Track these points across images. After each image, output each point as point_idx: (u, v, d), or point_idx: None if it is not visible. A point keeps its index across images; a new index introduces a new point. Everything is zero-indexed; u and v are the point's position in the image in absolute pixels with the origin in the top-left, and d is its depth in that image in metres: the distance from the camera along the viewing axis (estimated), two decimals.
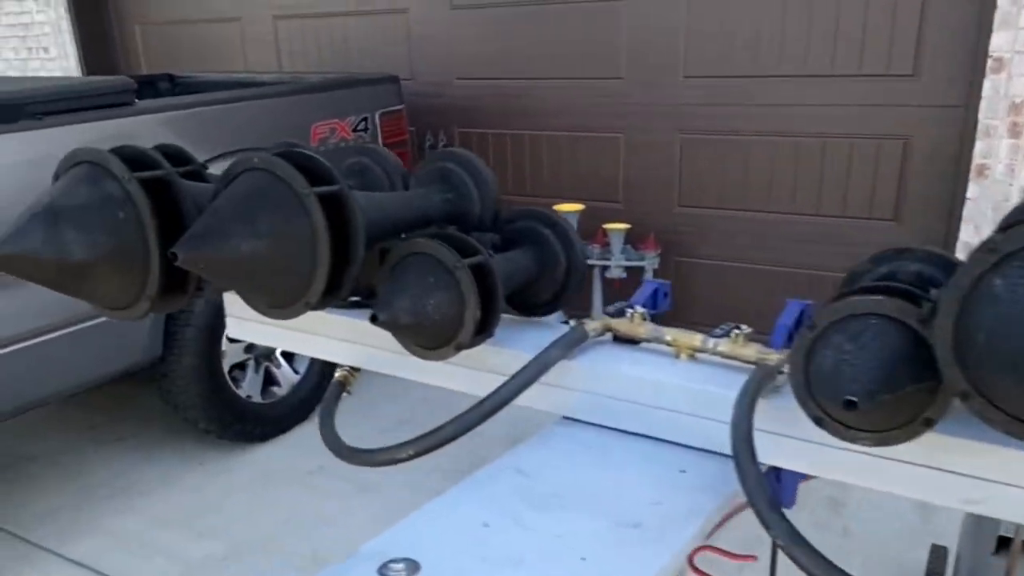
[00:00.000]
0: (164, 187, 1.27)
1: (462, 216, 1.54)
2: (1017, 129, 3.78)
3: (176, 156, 1.40)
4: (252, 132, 4.04)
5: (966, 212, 3.99)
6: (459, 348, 1.29)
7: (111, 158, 1.23)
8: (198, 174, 1.46)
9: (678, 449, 1.25)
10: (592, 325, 1.41)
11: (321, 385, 4.46)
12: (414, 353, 1.35)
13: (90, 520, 3.71)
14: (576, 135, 5.20)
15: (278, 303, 1.26)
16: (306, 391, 4.42)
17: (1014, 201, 3.85)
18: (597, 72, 5.03)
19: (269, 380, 4.34)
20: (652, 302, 1.47)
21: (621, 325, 1.41)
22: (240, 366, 4.20)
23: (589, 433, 1.33)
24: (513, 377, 1.29)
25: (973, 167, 3.92)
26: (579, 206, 4.90)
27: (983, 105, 3.84)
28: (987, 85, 3.82)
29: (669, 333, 1.36)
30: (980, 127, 3.86)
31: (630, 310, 1.41)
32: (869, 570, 3.17)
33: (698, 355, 1.34)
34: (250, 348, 4.21)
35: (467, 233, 1.46)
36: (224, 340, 4.00)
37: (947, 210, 4.23)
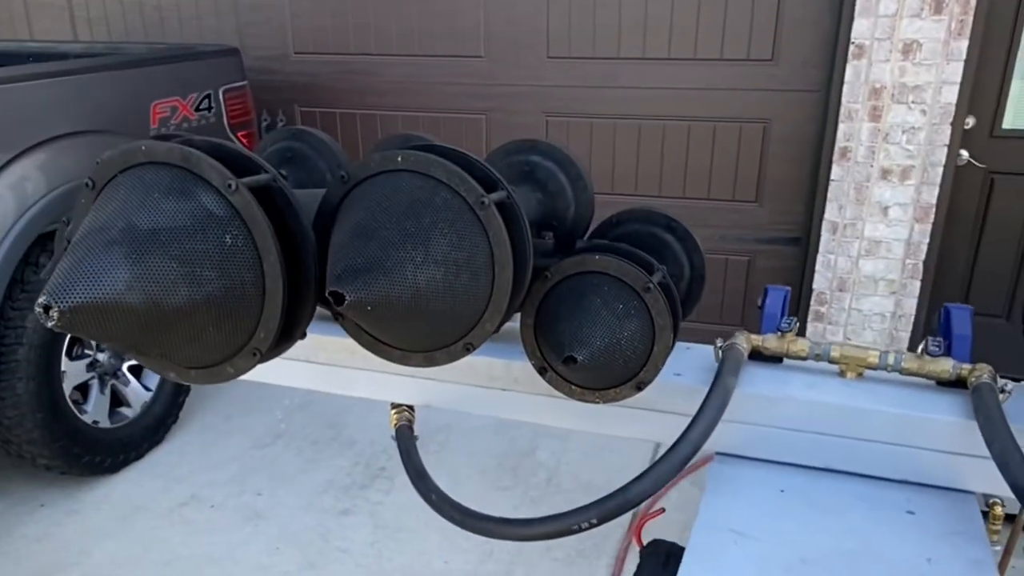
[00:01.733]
0: (269, 198, 0.92)
1: (555, 219, 1.30)
2: (877, 113, 4.01)
3: (232, 158, 1.05)
4: (79, 113, 3.42)
5: (830, 193, 4.20)
6: (641, 387, 1.07)
7: (203, 159, 0.87)
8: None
9: (887, 485, 1.11)
10: (740, 342, 1.23)
11: (176, 402, 3.92)
12: (573, 396, 1.10)
13: None
14: (435, 115, 4.94)
15: (439, 342, 0.97)
16: (160, 410, 3.86)
17: (874, 181, 4.11)
18: (457, 50, 4.78)
19: (116, 401, 3.74)
20: (782, 312, 1.32)
21: (770, 342, 1.24)
22: (82, 387, 3.58)
23: (770, 472, 1.15)
24: (698, 417, 1.08)
25: (836, 149, 4.13)
26: None
27: (845, 90, 4.04)
28: (849, 70, 4.02)
29: (836, 349, 1.21)
30: (842, 110, 4.06)
31: (784, 325, 1.24)
32: None
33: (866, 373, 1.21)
34: (93, 365, 3.59)
35: (562, 239, 1.23)
36: (63, 359, 3.39)
37: (807, 191, 4.44)
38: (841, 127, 4.10)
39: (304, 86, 5.09)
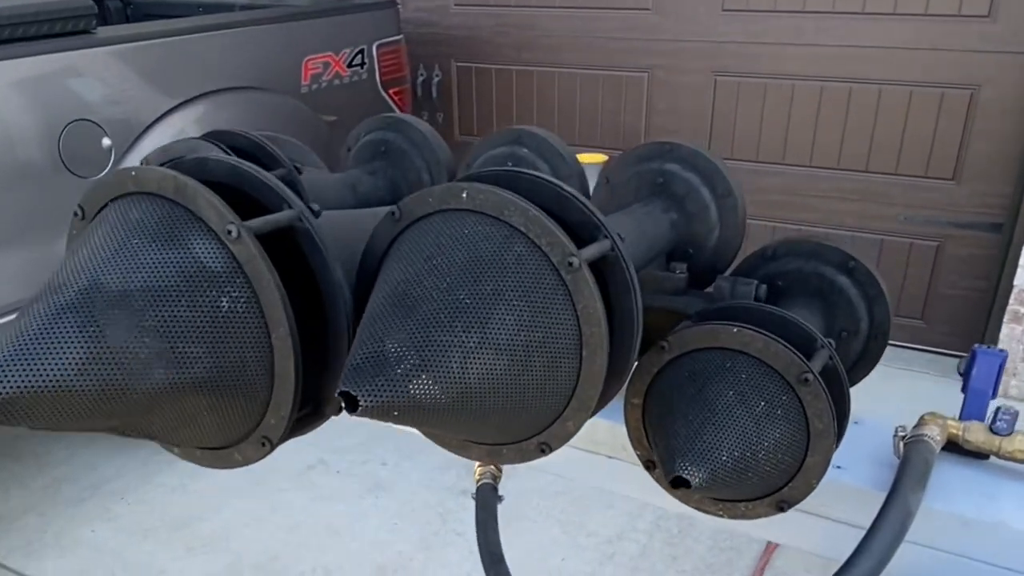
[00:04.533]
0: (292, 241, 0.71)
1: (691, 246, 1.02)
2: None
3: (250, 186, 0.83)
4: (234, 68, 3.38)
5: None
6: (783, 508, 0.79)
7: (200, 192, 0.66)
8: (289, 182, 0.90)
9: None
10: (932, 434, 0.91)
11: None
12: (688, 503, 0.84)
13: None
14: (594, 73, 4.62)
15: (506, 438, 0.74)
16: None
17: None
18: (622, 2, 4.43)
19: None
20: (995, 387, 0.98)
21: (975, 434, 0.92)
22: None
23: None
24: (864, 548, 0.79)
25: None
26: (601, 157, 4.35)
27: None
28: None
29: None
30: None
31: (1003, 418, 0.90)
32: None
33: None
34: None
35: (699, 273, 0.95)
36: None
37: (1018, 170, 3.82)
38: None
39: (462, 40, 4.90)
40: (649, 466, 0.87)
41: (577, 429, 0.71)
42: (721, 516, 0.82)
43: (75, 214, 0.75)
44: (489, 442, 0.76)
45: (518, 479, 3.28)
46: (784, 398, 0.72)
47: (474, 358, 0.64)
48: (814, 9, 4.02)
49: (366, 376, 0.63)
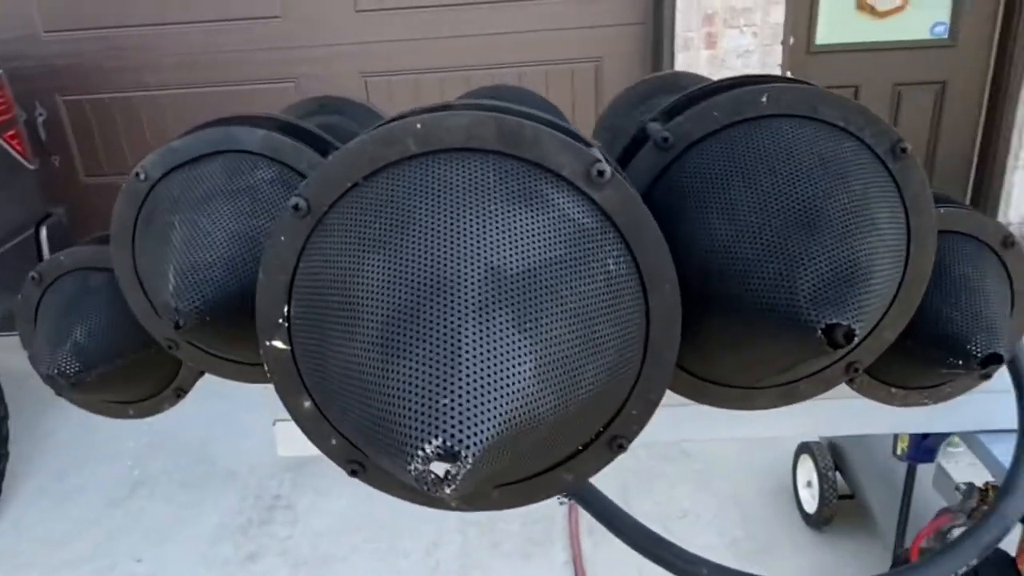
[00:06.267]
0: None
1: None
2: (712, 39, 4.00)
3: None
4: None
5: None
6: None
7: (542, 131, 0.49)
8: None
9: None
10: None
11: None
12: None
13: None
14: (234, 89, 4.31)
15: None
16: None
17: None
18: (248, 11, 4.18)
19: None
20: None
21: None
22: None
23: None
24: None
25: None
26: None
27: (679, 18, 3.98)
28: None
29: None
30: (678, 40, 4.01)
31: None
32: None
33: None
34: None
35: None
36: None
37: None
38: (679, 57, 4.05)
39: (64, 70, 4.25)
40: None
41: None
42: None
43: (296, 208, 0.49)
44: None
45: (304, 523, 2.99)
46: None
47: (877, 258, 0.56)
48: (447, 3, 4.18)
49: (842, 299, 0.51)
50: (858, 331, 0.52)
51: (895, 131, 0.61)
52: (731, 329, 0.61)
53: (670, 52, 4.07)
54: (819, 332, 0.52)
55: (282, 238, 0.54)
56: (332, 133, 0.85)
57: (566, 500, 0.94)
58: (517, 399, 0.43)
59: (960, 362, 0.68)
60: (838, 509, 2.68)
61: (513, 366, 0.43)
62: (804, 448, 2.88)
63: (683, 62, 4.04)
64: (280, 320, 0.54)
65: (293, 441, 0.94)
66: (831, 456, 2.75)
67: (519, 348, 0.44)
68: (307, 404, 0.55)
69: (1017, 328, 0.79)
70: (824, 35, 4.25)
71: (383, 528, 2.91)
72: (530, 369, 0.44)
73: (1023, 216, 4.23)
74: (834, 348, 0.52)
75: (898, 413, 0.90)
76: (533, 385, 0.44)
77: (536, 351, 0.45)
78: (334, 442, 0.56)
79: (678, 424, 0.92)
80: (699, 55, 4.03)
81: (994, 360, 0.67)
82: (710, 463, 3.16)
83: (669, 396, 0.61)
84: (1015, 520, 0.80)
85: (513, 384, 0.43)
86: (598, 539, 2.73)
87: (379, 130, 0.54)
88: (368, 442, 0.45)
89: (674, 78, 1.09)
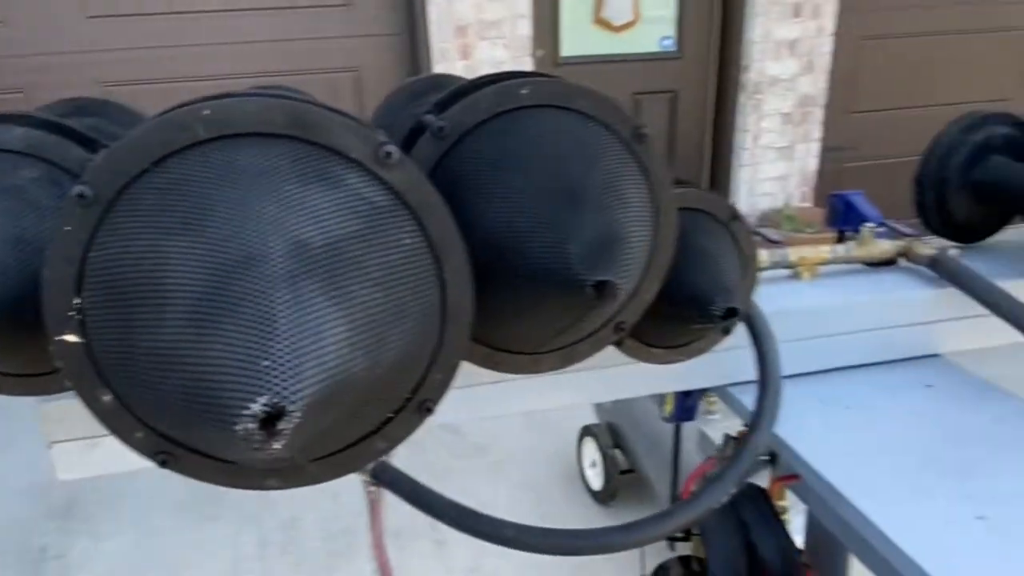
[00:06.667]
0: None
1: None
2: (467, 50, 4.15)
3: None
4: None
5: None
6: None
7: (329, 117, 0.51)
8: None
9: (890, 368, 1.16)
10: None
11: None
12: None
13: None
14: None
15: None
16: None
17: None
18: None
19: None
20: None
21: None
22: None
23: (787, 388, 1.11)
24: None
25: None
26: None
27: (433, 30, 4.09)
28: (432, 11, 4.06)
29: (792, 253, 1.21)
30: (434, 52, 4.12)
31: None
32: None
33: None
34: None
35: None
36: None
37: None
38: (437, 68, 4.15)
39: None
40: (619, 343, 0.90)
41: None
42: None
43: (81, 196, 0.46)
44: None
45: (85, 571, 2.73)
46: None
47: (631, 227, 0.64)
48: (181, 9, 4.00)
49: (609, 261, 0.57)
50: (621, 285, 0.59)
51: (635, 118, 0.70)
52: (516, 297, 0.67)
53: (427, 63, 4.16)
54: (590, 288, 0.60)
55: (67, 228, 0.52)
56: (94, 134, 0.82)
57: (374, 488, 0.95)
58: (332, 358, 0.46)
59: (706, 319, 0.79)
60: (621, 484, 2.89)
61: (325, 328, 0.46)
62: (586, 431, 3.07)
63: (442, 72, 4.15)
64: (71, 313, 0.52)
65: (74, 463, 0.88)
66: (611, 436, 2.95)
67: (329, 312, 0.47)
68: (107, 398, 0.54)
69: (747, 288, 0.92)
70: (568, 48, 4.54)
71: (169, 564, 2.74)
72: (341, 331, 0.47)
73: (748, 208, 4.77)
74: (602, 301, 0.59)
75: (660, 373, 1.01)
76: (345, 345, 0.47)
77: (345, 315, 0.48)
78: (140, 435, 0.55)
79: (470, 402, 0.97)
80: (455, 66, 4.15)
81: (732, 314, 0.78)
82: (502, 455, 3.27)
83: (461, 378, 0.66)
84: (764, 450, 0.93)
85: (327, 345, 0.46)
86: (404, 543, 2.74)
87: (166, 116, 0.54)
88: (186, 420, 0.46)
89: (444, 78, 1.15)
